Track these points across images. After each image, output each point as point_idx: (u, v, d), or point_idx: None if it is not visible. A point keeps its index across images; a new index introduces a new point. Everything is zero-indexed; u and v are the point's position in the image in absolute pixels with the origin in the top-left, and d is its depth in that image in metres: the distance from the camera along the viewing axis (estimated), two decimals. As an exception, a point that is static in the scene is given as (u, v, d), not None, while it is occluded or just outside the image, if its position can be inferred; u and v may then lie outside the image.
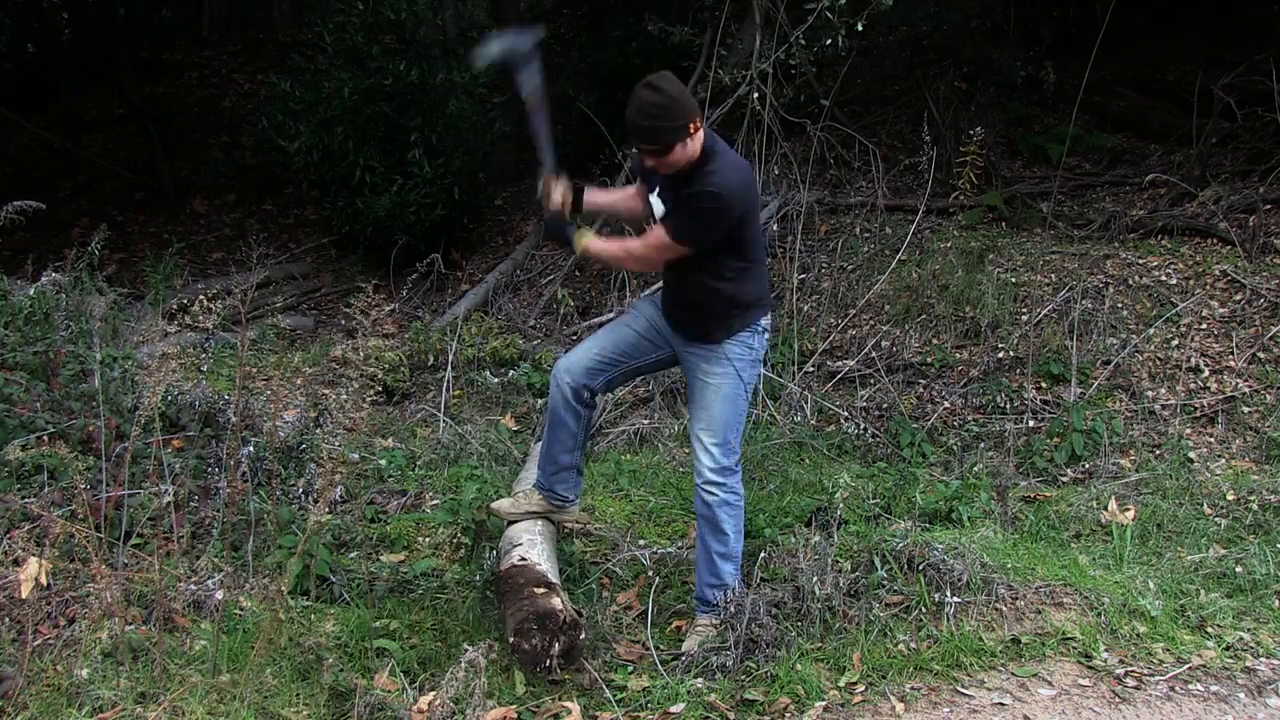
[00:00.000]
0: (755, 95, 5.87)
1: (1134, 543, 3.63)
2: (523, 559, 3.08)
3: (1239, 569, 3.42)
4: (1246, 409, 4.89)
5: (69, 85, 10.55)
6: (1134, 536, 3.66)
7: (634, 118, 2.88)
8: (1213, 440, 4.78)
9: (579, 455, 3.38)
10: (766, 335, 3.21)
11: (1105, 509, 3.85)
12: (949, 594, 2.98)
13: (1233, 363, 5.12)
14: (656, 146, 2.88)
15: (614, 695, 2.81)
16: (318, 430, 4.16)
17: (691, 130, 2.87)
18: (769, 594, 3.07)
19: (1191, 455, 4.61)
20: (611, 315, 6.61)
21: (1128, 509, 3.74)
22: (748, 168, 3.14)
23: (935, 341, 5.75)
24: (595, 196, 3.30)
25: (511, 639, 2.73)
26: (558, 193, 3.15)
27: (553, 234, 3.26)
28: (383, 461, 4.55)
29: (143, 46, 10.18)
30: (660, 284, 3.39)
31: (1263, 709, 2.66)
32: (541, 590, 2.86)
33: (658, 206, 3.10)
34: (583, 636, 2.81)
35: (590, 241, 3.14)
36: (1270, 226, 5.97)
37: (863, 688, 2.74)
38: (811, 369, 5.62)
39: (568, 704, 2.75)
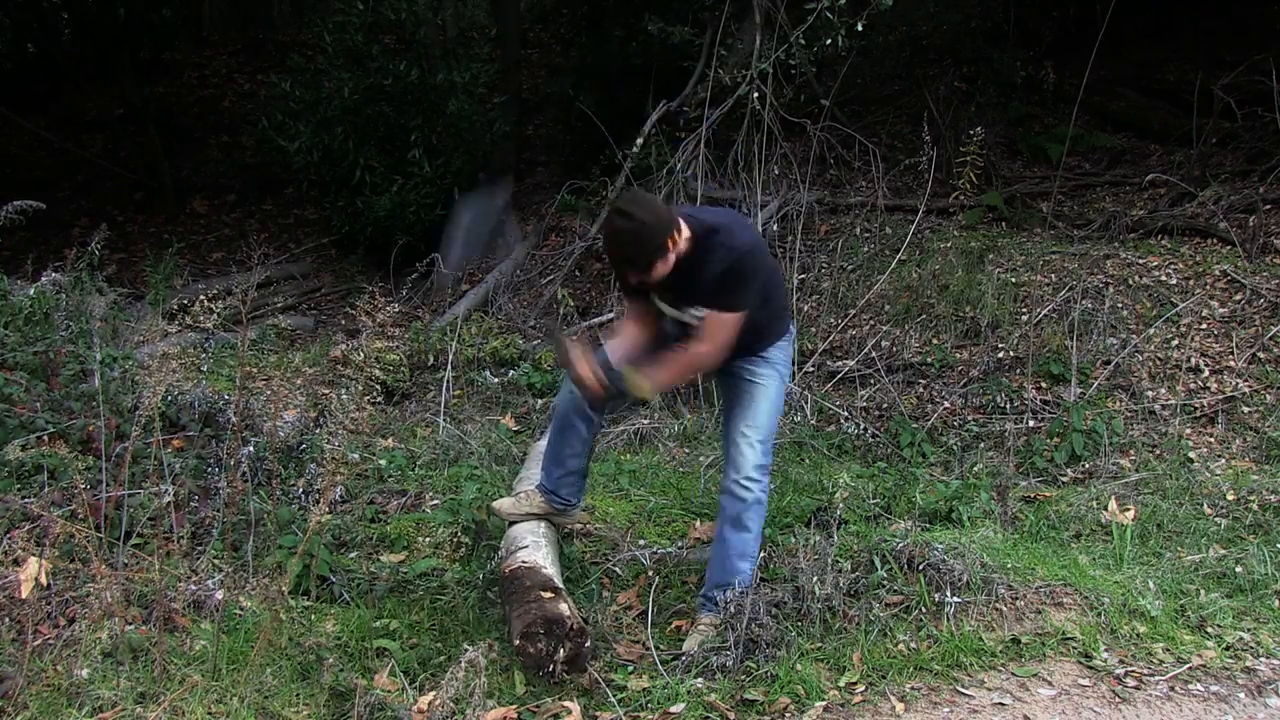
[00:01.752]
0: (755, 95, 5.88)
1: (1134, 543, 3.63)
2: (529, 561, 3.08)
3: (1239, 569, 3.42)
4: (1246, 409, 4.89)
5: (69, 85, 10.55)
6: (1134, 536, 3.66)
7: (610, 246, 2.87)
8: (1213, 440, 4.78)
9: (585, 461, 3.39)
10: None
11: (1105, 509, 3.85)
12: (949, 594, 2.97)
13: (1233, 363, 5.12)
14: (637, 269, 2.88)
15: (614, 695, 2.81)
16: (318, 430, 4.16)
17: (670, 246, 2.85)
18: (769, 594, 3.07)
19: (1191, 455, 4.61)
20: (611, 315, 6.61)
21: (1128, 509, 3.74)
22: (738, 216, 3.16)
23: (935, 341, 5.75)
24: (615, 351, 3.15)
25: (517, 641, 2.74)
26: (585, 366, 3.01)
27: (611, 405, 3.15)
28: (383, 461, 4.55)
29: (143, 46, 10.17)
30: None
31: (1263, 709, 2.66)
32: (549, 594, 2.86)
33: (668, 310, 3.10)
34: (588, 645, 2.81)
35: (648, 381, 3.05)
36: (1270, 226, 5.97)
37: (863, 688, 2.74)
38: (811, 369, 5.62)
39: (568, 704, 2.75)
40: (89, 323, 4.18)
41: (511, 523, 3.43)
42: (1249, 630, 3.00)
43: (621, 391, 3.05)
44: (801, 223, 6.46)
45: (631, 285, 3.08)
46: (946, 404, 5.21)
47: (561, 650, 2.74)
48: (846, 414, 5.18)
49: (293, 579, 2.97)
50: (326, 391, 4.91)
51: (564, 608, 2.81)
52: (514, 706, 2.75)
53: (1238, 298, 5.51)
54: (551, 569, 3.10)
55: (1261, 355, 5.14)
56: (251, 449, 3.77)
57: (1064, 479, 4.56)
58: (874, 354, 5.70)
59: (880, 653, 2.86)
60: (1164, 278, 5.78)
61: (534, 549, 3.19)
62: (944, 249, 6.45)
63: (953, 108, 7.53)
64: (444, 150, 7.64)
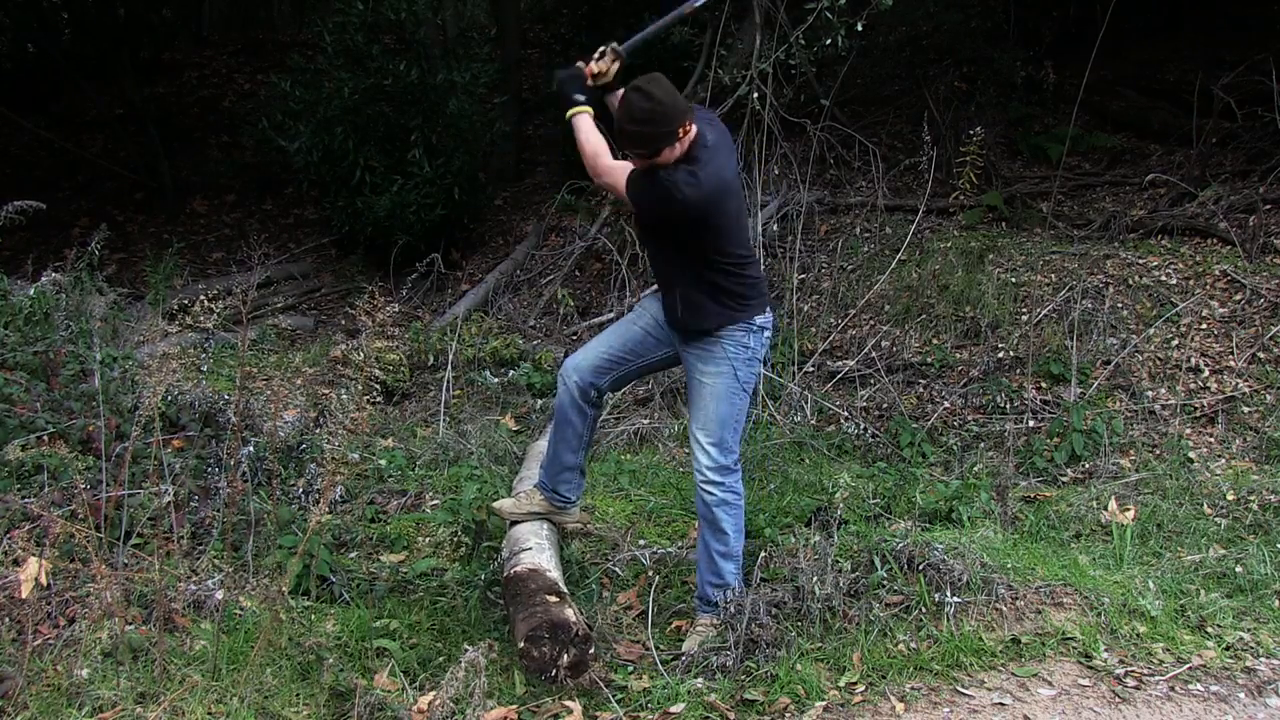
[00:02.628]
0: (755, 95, 5.87)
1: (1134, 543, 3.63)
2: (533, 564, 3.08)
3: (1239, 569, 3.42)
4: (1246, 409, 4.89)
5: (69, 85, 10.56)
6: (1134, 536, 3.66)
7: (622, 122, 2.84)
8: (1213, 440, 4.78)
9: (583, 456, 3.38)
10: (766, 335, 3.19)
11: (1105, 509, 3.85)
12: (949, 594, 2.97)
13: (1233, 363, 5.12)
14: (645, 150, 2.86)
15: (614, 695, 2.81)
16: (318, 430, 4.16)
17: (681, 134, 2.85)
18: (769, 594, 3.07)
19: (1191, 455, 4.61)
20: (611, 315, 6.61)
21: (1128, 509, 3.74)
22: (725, 180, 2.98)
23: (935, 341, 5.75)
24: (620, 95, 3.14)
25: (522, 644, 2.73)
26: (606, 64, 3.11)
27: (561, 87, 3.15)
28: (383, 461, 4.55)
29: (143, 46, 10.17)
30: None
31: (1263, 709, 2.66)
32: (554, 599, 2.86)
33: None
34: (592, 651, 2.80)
35: (583, 118, 3.08)
36: (1270, 226, 5.97)
37: (863, 688, 2.74)
38: (811, 369, 5.62)
39: (568, 704, 2.75)
40: (89, 323, 4.18)
41: (513, 523, 3.43)
42: (1249, 630, 3.00)
43: (575, 91, 3.10)
44: (801, 223, 6.46)
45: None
46: (946, 404, 5.21)
47: (565, 656, 2.73)
48: (846, 414, 5.18)
49: (293, 579, 2.97)
50: (326, 391, 4.92)
51: (569, 613, 2.80)
52: (514, 706, 2.75)
53: (1238, 298, 5.51)
54: (555, 572, 3.10)
55: (1261, 355, 5.14)
56: (251, 449, 3.77)
57: (1064, 479, 4.56)
58: (874, 354, 5.70)
59: (880, 653, 2.86)
60: (1164, 278, 5.78)
61: (538, 551, 3.18)
62: (944, 249, 6.45)
63: (953, 108, 7.53)
64: (444, 150, 7.64)
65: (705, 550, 3.16)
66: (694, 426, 3.12)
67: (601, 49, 3.16)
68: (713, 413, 3.09)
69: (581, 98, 3.10)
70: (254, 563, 3.20)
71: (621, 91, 3.00)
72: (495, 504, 3.50)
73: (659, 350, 3.26)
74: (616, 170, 3.00)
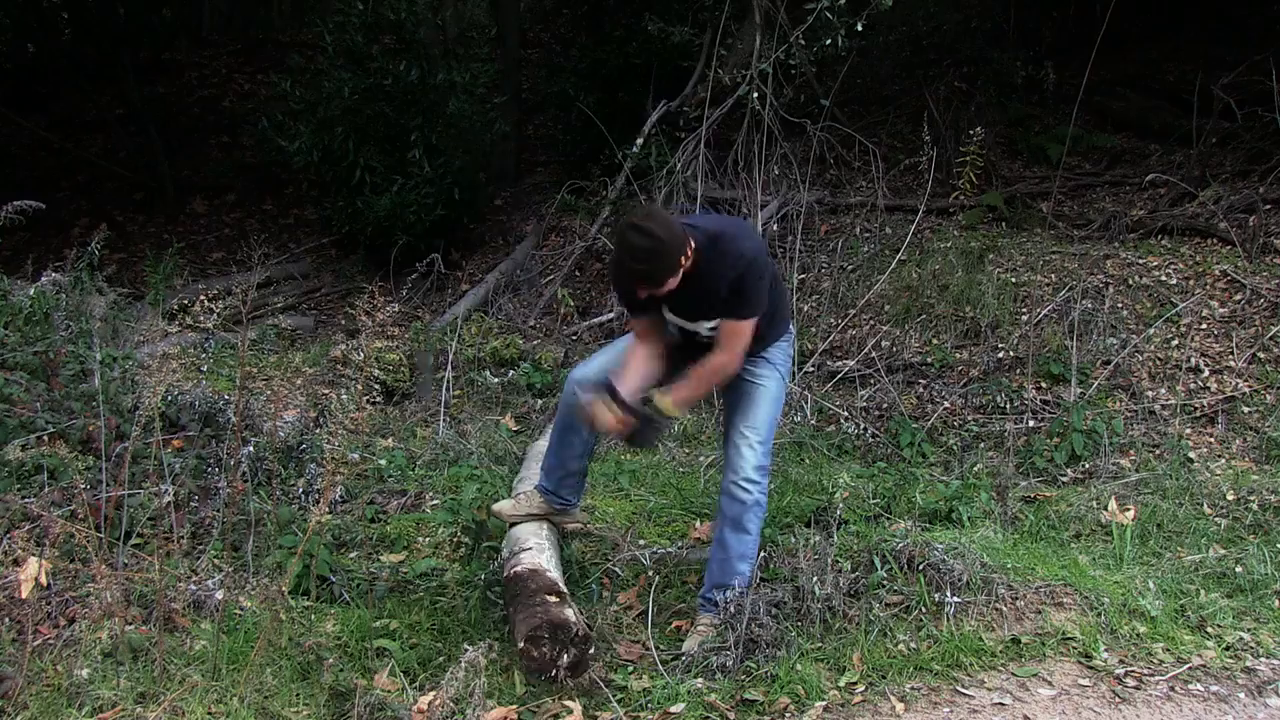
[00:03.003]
0: (755, 95, 5.87)
1: (1134, 543, 3.63)
2: (533, 564, 3.08)
3: (1239, 569, 3.42)
4: (1246, 409, 4.89)
5: (69, 85, 10.56)
6: (1134, 536, 3.66)
7: (627, 262, 2.85)
8: (1213, 440, 4.78)
9: (586, 461, 3.39)
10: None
11: (1105, 509, 3.85)
12: (949, 594, 2.97)
13: (1233, 363, 5.12)
14: (651, 285, 2.87)
15: (614, 695, 2.81)
16: (318, 430, 4.16)
17: (683, 262, 2.84)
18: (769, 594, 3.07)
19: (1191, 455, 4.61)
20: (611, 315, 6.61)
21: (1128, 509, 3.74)
22: (738, 221, 3.10)
23: (935, 341, 5.74)
24: (627, 385, 3.04)
25: (522, 644, 2.73)
26: (609, 416, 2.98)
27: (646, 437, 3.09)
28: (383, 461, 4.55)
29: (143, 46, 10.18)
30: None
31: (1263, 709, 2.66)
32: (554, 599, 2.86)
33: (676, 321, 3.09)
34: (592, 651, 2.81)
35: (671, 401, 3.03)
36: (1270, 226, 5.97)
37: (863, 688, 2.74)
38: (811, 369, 5.62)
39: (568, 704, 2.75)
40: (89, 323, 4.18)
41: (512, 524, 3.43)
42: (1249, 630, 3.00)
43: (650, 418, 3.02)
44: (801, 223, 6.46)
45: (639, 300, 3.04)
46: (946, 404, 5.21)
47: (565, 656, 2.73)
48: (846, 414, 5.18)
49: (293, 579, 2.97)
50: (326, 391, 4.92)
51: (569, 613, 2.80)
52: (514, 706, 2.75)
53: (1238, 298, 5.51)
54: (555, 573, 3.10)
55: (1261, 355, 5.14)
56: (251, 449, 3.77)
57: (1064, 479, 4.55)
58: (874, 354, 5.70)
59: (880, 653, 2.86)
60: (1164, 278, 5.78)
61: (537, 551, 3.18)
62: (944, 249, 6.44)
63: (953, 108, 7.53)
64: (444, 150, 7.64)
65: (723, 550, 3.14)
66: (742, 425, 3.13)
67: (592, 402, 3.02)
68: (765, 414, 3.14)
69: (647, 408, 3.01)
70: (254, 563, 3.20)
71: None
72: (495, 506, 3.50)
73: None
74: (732, 341, 2.97)
